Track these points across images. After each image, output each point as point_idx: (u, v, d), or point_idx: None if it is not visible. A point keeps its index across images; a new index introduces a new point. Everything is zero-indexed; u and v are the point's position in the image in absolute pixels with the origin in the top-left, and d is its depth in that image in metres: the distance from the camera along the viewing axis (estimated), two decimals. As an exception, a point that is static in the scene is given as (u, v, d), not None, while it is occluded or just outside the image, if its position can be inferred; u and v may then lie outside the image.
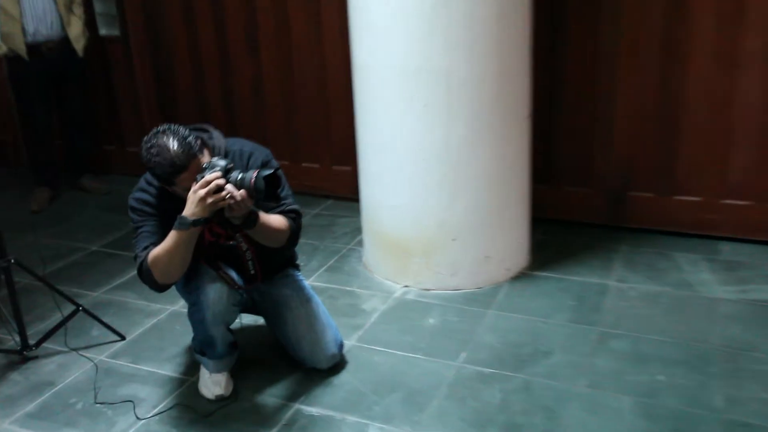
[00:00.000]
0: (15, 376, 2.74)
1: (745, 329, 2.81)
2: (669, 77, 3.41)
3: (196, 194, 2.17)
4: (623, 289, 3.17)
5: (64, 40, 4.23)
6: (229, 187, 2.18)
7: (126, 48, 4.62)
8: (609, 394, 2.48)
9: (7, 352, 2.84)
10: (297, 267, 2.79)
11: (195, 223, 2.19)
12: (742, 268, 3.28)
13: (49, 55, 4.20)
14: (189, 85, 4.52)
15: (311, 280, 3.36)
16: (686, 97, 3.40)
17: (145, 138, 2.25)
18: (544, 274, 3.33)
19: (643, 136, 3.54)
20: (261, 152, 2.49)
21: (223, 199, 2.17)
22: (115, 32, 4.60)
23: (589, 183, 3.72)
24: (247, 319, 2.85)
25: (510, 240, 3.29)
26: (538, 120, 3.38)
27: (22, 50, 4.11)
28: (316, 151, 4.33)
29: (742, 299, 3.03)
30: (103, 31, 4.63)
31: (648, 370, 2.60)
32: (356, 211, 3.67)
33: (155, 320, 3.11)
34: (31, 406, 2.57)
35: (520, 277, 3.31)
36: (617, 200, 3.69)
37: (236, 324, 2.63)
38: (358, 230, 3.73)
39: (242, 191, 2.18)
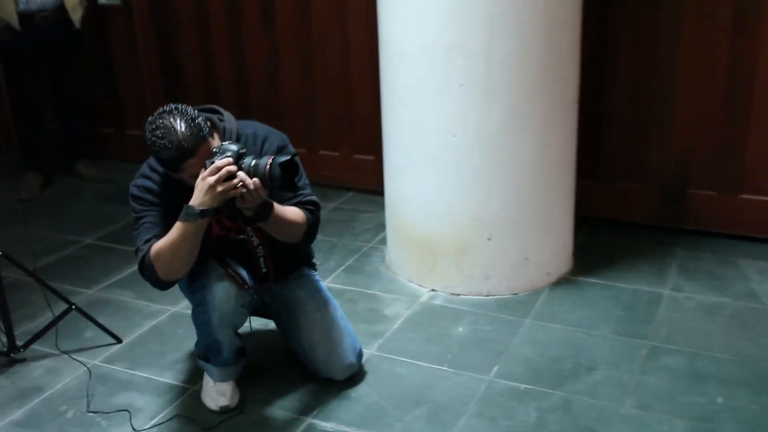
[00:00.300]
0: (0, 380, 2.80)
1: (817, 347, 2.81)
2: (739, 57, 3.38)
3: (204, 182, 2.19)
4: (679, 299, 3.16)
5: (60, 9, 4.29)
6: (241, 174, 2.19)
7: (128, 19, 4.68)
8: (659, 417, 2.48)
9: (-8, 353, 2.91)
10: (313, 266, 2.82)
11: (203, 213, 2.21)
12: (816, 279, 3.27)
13: (43, 25, 4.26)
14: (197, 62, 4.57)
15: (328, 281, 3.39)
16: (758, 80, 3.37)
17: (150, 119, 2.27)
18: (589, 280, 3.33)
19: (706, 125, 3.52)
20: (276, 137, 2.52)
21: (235, 187, 2.19)
22: (116, 1, 4.66)
23: (642, 178, 3.71)
24: (257, 323, 2.88)
25: (551, 241, 3.29)
26: (586, 105, 3.37)
27: (13, 19, 4.17)
28: (336, 137, 4.36)
29: (814, 313, 3.02)
30: (102, 0, 4.69)
31: (705, 390, 2.60)
32: (379, 206, 3.70)
33: (155, 322, 3.16)
34: (17, 414, 2.62)
35: (561, 282, 3.32)
36: (674, 198, 3.67)
37: (245, 328, 2.66)
38: (381, 227, 3.76)
39: (255, 179, 2.20)
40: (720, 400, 2.55)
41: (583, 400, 2.56)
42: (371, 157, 4.20)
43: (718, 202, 3.60)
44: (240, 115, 2.59)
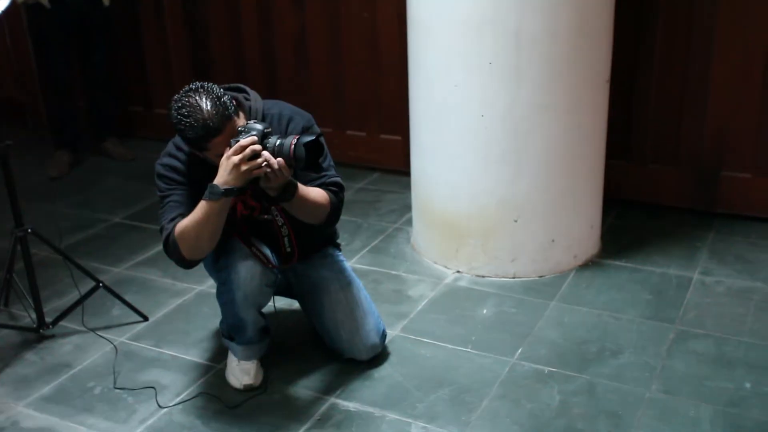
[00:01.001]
0: (30, 356, 2.87)
1: None
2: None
3: (229, 161, 2.22)
4: (708, 283, 3.15)
5: (89, -13, 4.35)
6: (266, 154, 2.22)
7: (155, -3, 4.73)
8: (685, 401, 2.48)
9: (22, 329, 2.98)
10: (338, 246, 2.85)
11: (227, 192, 2.24)
12: None
13: (72, 2, 4.31)
14: (225, 40, 4.60)
15: (353, 261, 3.42)
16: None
17: (176, 97, 2.30)
18: (617, 263, 3.33)
19: (742, 105, 3.48)
20: (302, 117, 2.54)
21: (259, 167, 2.21)
22: (144, -21, 4.71)
23: (674, 160, 3.69)
24: (281, 303, 2.93)
25: (579, 223, 3.29)
26: (617, 84, 3.35)
27: (42, -3, 4.25)
28: (363, 117, 4.37)
29: None
30: (130, -22, 4.75)
31: (733, 376, 2.60)
32: (405, 186, 3.71)
33: (181, 300, 3.21)
34: (46, 389, 2.69)
35: (588, 265, 3.32)
36: (707, 180, 3.65)
37: (269, 307, 2.69)
38: (406, 207, 3.78)
39: (280, 159, 2.23)
40: (748, 385, 2.54)
41: (607, 384, 2.58)
42: (398, 137, 4.22)
43: (753, 185, 3.57)
44: (267, 95, 2.61)
